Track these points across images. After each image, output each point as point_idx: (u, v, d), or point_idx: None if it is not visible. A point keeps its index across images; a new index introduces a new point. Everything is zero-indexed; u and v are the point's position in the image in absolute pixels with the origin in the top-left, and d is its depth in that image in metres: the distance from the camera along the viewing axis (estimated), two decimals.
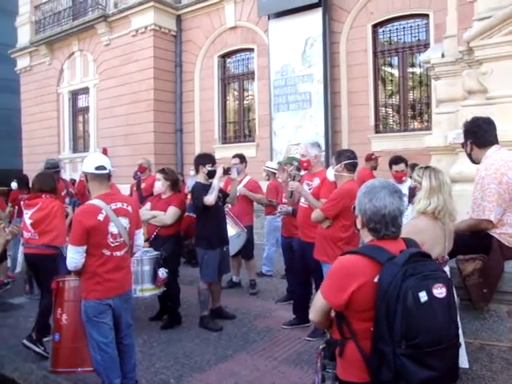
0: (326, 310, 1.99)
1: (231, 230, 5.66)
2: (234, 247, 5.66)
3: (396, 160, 6.04)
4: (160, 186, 5.16)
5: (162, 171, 5.24)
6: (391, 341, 1.73)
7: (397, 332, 1.72)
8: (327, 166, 5.65)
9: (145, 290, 4.75)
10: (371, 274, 1.83)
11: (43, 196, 4.63)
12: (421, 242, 2.21)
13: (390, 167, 6.03)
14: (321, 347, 2.13)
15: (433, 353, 1.73)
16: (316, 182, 4.62)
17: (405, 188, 5.01)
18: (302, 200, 4.69)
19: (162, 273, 4.74)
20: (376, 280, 1.80)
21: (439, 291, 1.76)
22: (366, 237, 2.00)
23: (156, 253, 4.85)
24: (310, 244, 4.54)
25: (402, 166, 5.96)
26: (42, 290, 4.64)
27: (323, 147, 9.65)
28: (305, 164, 4.71)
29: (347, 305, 1.86)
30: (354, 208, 2.06)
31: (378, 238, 1.95)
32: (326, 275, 2.03)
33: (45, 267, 4.52)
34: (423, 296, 1.72)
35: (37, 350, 4.30)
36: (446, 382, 1.86)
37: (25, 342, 4.36)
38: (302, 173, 5.20)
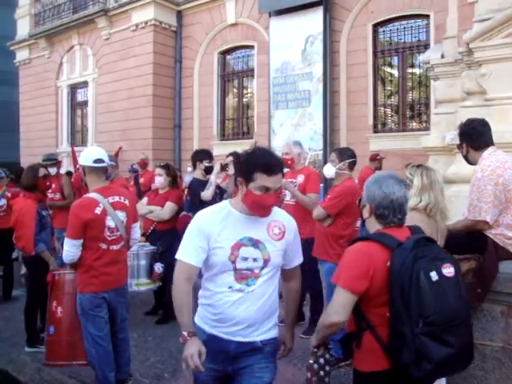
0: (352, 302, 1.96)
1: None
2: None
3: None
4: (162, 180, 5.16)
5: (165, 167, 5.26)
6: (409, 321, 1.81)
7: (413, 312, 1.80)
8: (325, 163, 5.65)
9: (140, 284, 4.76)
10: (383, 258, 1.92)
11: (20, 195, 4.61)
12: None
13: None
14: (314, 365, 2.14)
15: (448, 330, 1.81)
16: (300, 179, 4.71)
17: None
18: (288, 198, 4.73)
19: (158, 267, 4.75)
20: (388, 264, 1.89)
21: (448, 270, 1.86)
22: (373, 226, 2.09)
23: (152, 247, 4.85)
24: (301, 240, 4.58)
25: None
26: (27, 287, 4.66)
27: (321, 146, 9.69)
28: (289, 162, 4.77)
29: (365, 292, 1.92)
30: (360, 201, 2.14)
31: (385, 226, 2.04)
32: (340, 266, 2.04)
33: (27, 267, 4.53)
34: (434, 275, 1.82)
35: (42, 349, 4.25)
36: (464, 360, 1.94)
37: (26, 349, 4.35)
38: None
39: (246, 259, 2.11)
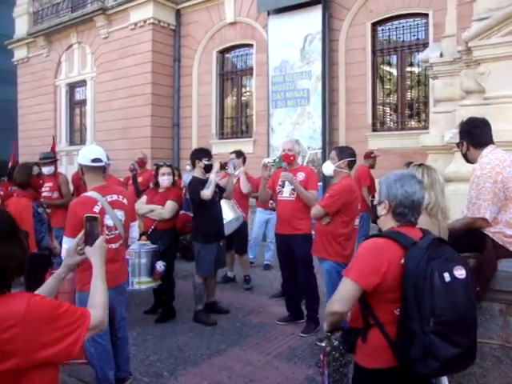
0: (356, 296, 1.98)
1: (229, 214, 5.68)
2: (229, 229, 5.68)
3: None
4: (171, 180, 5.21)
5: (170, 166, 5.33)
6: (420, 319, 1.83)
7: (425, 310, 1.83)
8: (324, 161, 5.66)
9: (142, 282, 4.76)
10: (397, 256, 1.94)
11: (14, 194, 4.60)
12: None
13: None
14: (326, 347, 2.15)
15: (457, 330, 1.84)
16: (301, 176, 4.78)
17: None
18: (286, 194, 4.76)
19: (160, 266, 4.76)
20: (402, 262, 1.91)
21: (460, 272, 1.88)
22: (388, 223, 2.12)
23: (154, 246, 4.86)
24: (298, 235, 4.63)
25: None
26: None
27: (320, 144, 9.73)
28: (291, 158, 4.86)
29: (375, 287, 1.93)
30: (373, 197, 2.17)
31: (401, 225, 2.07)
32: (353, 260, 2.06)
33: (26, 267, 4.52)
34: (447, 276, 1.85)
35: None
36: (468, 360, 1.96)
37: None
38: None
39: None
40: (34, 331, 1.32)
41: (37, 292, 1.68)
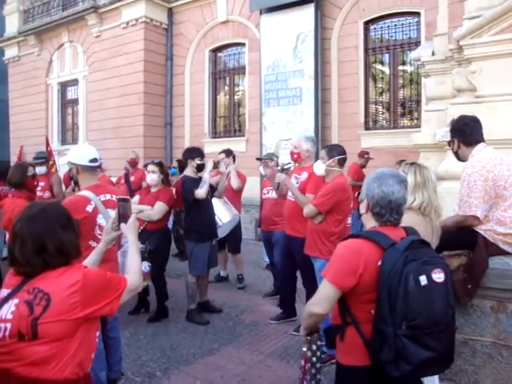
0: (335, 297, 1.96)
1: (226, 216, 5.65)
2: (225, 230, 5.66)
3: None
4: (155, 178, 5.11)
5: (158, 164, 5.22)
6: (392, 322, 1.81)
7: (398, 313, 1.80)
8: (317, 160, 5.66)
9: None
10: (375, 257, 1.91)
11: (9, 195, 4.54)
12: None
13: None
14: (307, 352, 2.15)
15: (431, 334, 1.81)
16: (304, 176, 4.61)
17: None
18: (290, 193, 4.68)
19: (145, 266, 4.69)
20: (379, 264, 1.88)
21: (438, 276, 1.85)
22: (369, 222, 2.09)
23: (141, 246, 4.82)
24: (297, 238, 4.54)
25: None
26: None
27: None
28: (295, 156, 4.69)
29: (352, 288, 1.92)
30: (358, 194, 2.14)
31: (381, 224, 2.04)
32: (331, 261, 2.04)
33: None
34: (423, 280, 1.82)
35: None
36: (443, 363, 1.95)
37: None
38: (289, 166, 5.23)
39: None
40: (88, 292, 1.76)
41: (84, 263, 2.07)
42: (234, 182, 6.35)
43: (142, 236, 4.97)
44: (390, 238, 1.95)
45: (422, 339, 1.80)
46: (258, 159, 6.59)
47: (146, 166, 5.40)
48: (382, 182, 2.03)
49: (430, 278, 1.82)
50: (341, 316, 2.01)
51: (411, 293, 1.79)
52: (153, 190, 5.16)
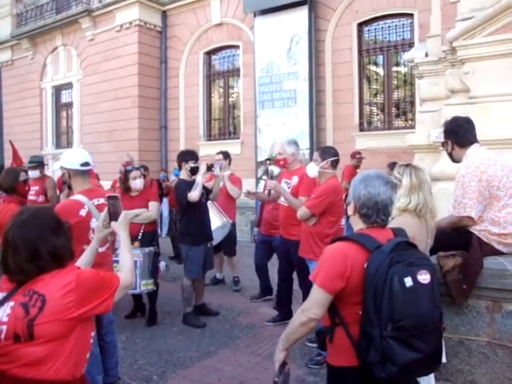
0: (326, 300, 1.96)
1: (216, 221, 5.64)
2: (217, 237, 5.65)
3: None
4: (142, 182, 5.08)
5: (142, 168, 5.22)
6: (378, 324, 1.81)
7: (383, 315, 1.81)
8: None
9: (148, 284, 4.77)
10: (361, 259, 1.92)
11: (0, 200, 4.51)
12: (411, 237, 2.25)
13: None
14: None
15: (418, 335, 1.82)
16: (295, 180, 4.61)
17: None
18: (283, 199, 4.68)
19: (162, 266, 4.80)
20: (365, 266, 1.89)
21: (424, 277, 1.85)
22: (357, 223, 2.10)
23: (152, 248, 4.87)
24: (293, 242, 4.55)
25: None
26: None
27: (308, 145, 9.71)
28: (281, 162, 4.72)
29: (340, 291, 1.92)
30: (346, 197, 2.14)
31: (368, 226, 2.05)
32: (319, 265, 2.04)
33: None
34: (408, 281, 1.82)
35: None
36: (430, 364, 1.95)
37: None
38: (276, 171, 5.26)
39: None
40: (82, 292, 1.77)
41: (77, 264, 2.09)
42: (233, 193, 6.28)
43: (147, 239, 4.97)
44: (376, 240, 1.95)
45: (409, 340, 1.80)
46: (266, 160, 6.55)
47: (126, 171, 5.18)
48: (368, 183, 2.04)
49: (415, 280, 1.83)
50: (330, 317, 2.02)
51: (396, 294, 1.80)
52: (133, 194, 5.08)
